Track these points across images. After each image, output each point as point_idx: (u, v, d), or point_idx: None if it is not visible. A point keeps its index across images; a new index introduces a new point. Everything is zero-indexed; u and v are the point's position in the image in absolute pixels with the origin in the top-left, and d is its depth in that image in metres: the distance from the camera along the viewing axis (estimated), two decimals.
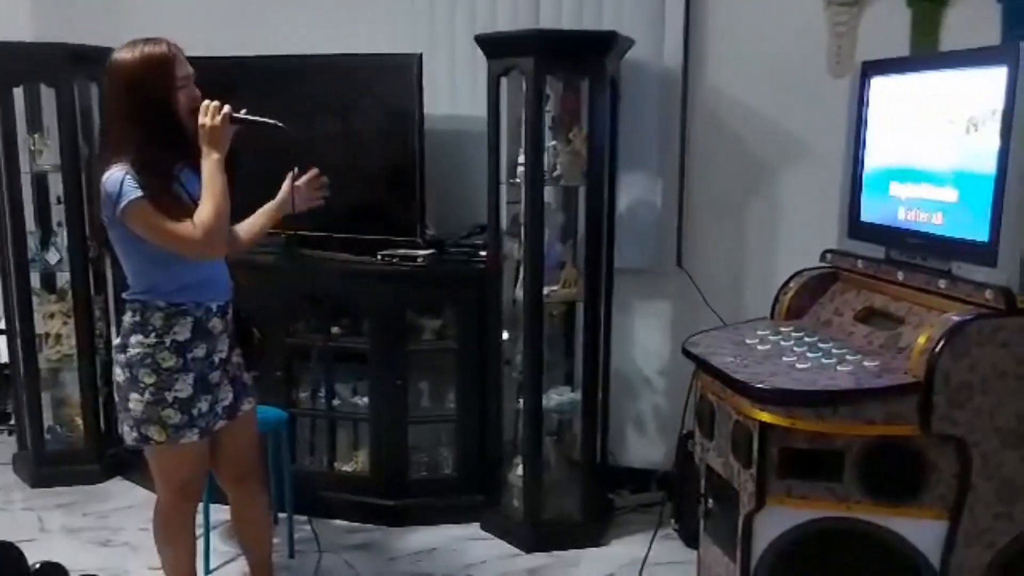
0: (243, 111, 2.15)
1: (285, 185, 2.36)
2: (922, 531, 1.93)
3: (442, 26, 3.27)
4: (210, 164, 2.08)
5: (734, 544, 2.06)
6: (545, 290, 2.88)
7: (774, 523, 1.99)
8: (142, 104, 2.05)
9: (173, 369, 2.13)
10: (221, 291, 2.23)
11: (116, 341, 2.19)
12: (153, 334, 2.12)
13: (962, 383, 1.84)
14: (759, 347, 2.18)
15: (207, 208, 2.05)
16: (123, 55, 2.07)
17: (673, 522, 3.00)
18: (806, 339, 2.20)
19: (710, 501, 2.25)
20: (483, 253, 3.05)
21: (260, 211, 2.36)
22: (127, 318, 2.16)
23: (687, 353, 2.24)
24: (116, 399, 2.22)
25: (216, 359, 2.21)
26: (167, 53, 2.07)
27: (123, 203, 2.00)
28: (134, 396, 2.13)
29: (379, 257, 3.07)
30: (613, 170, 3.00)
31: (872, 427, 1.88)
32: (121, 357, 2.15)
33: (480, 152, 3.02)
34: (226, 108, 2.09)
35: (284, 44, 3.27)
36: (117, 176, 2.01)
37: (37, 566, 0.98)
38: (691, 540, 2.85)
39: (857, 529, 1.95)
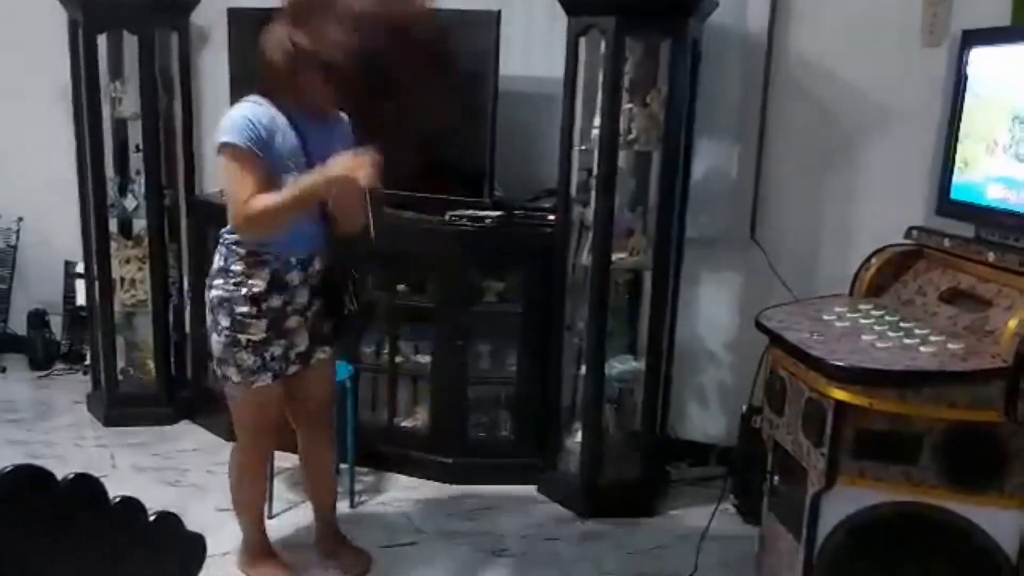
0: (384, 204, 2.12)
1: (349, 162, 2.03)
2: (1000, 521, 1.86)
3: None
4: (315, 177, 2.03)
5: (800, 522, 2.03)
6: (612, 257, 2.84)
7: (843, 503, 1.95)
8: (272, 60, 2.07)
9: (247, 315, 2.18)
10: (306, 245, 2.22)
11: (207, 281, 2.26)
12: (232, 281, 2.18)
13: None
14: (837, 324, 2.11)
15: (273, 200, 2.04)
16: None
17: (732, 497, 2.97)
18: (887, 318, 2.12)
19: (776, 478, 2.21)
20: (551, 217, 3.02)
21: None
22: (216, 260, 2.23)
23: (761, 326, 2.19)
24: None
25: (290, 309, 2.24)
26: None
27: (219, 140, 2.07)
28: (214, 337, 2.23)
29: (447, 217, 3.06)
30: (690, 136, 2.93)
31: (954, 411, 1.82)
32: (205, 298, 2.24)
33: (549, 114, 2.97)
34: (376, 185, 2.00)
35: None
36: (234, 112, 2.09)
37: (117, 500, 1.01)
38: (750, 516, 2.81)
39: (931, 515, 1.89)
